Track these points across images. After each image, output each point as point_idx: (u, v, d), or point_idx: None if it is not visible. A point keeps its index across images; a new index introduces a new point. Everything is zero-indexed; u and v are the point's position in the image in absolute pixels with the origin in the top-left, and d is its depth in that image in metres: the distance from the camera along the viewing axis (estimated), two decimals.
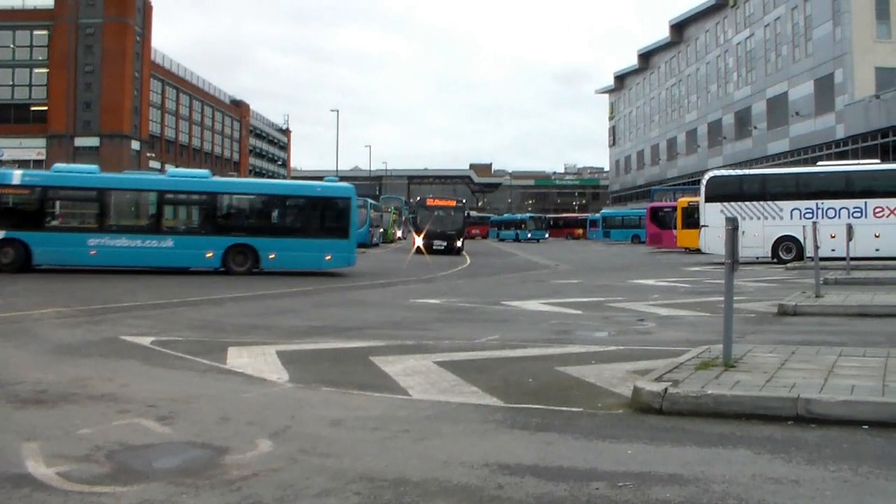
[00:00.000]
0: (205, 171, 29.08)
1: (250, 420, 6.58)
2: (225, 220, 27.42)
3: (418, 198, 55.49)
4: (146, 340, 11.12)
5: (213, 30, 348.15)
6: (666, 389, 6.80)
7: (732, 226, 7.86)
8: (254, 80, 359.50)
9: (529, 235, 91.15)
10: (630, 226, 78.88)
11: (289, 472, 5.19)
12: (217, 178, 28.58)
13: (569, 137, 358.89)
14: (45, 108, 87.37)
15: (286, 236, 26.75)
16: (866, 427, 6.15)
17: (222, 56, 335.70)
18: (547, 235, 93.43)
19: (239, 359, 9.62)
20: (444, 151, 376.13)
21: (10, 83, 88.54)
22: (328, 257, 26.61)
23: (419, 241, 47.73)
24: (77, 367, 9.03)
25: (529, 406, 7.11)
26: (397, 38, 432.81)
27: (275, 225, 27.51)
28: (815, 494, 4.74)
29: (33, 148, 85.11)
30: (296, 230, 27.19)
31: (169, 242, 26.11)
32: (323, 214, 27.48)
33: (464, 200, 53.19)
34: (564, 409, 6.99)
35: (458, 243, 48.04)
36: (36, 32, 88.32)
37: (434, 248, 46.92)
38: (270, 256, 26.17)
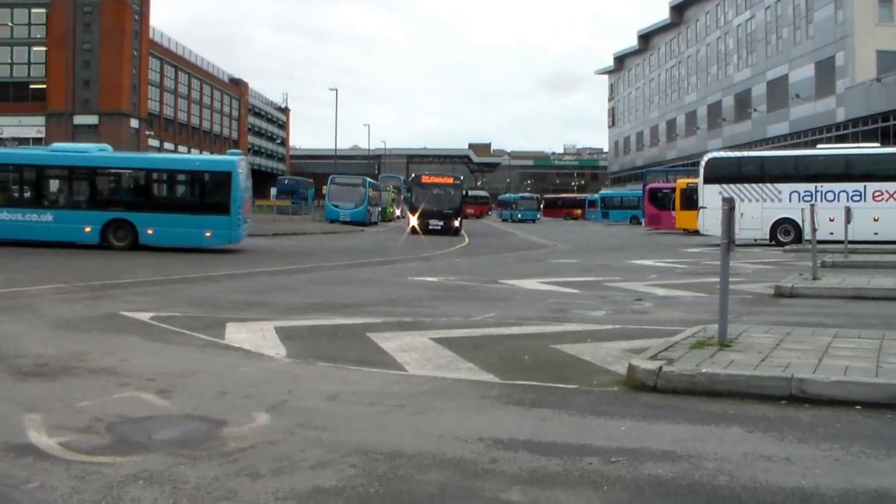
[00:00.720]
0: (93, 146, 28.32)
1: (248, 394, 6.64)
2: (103, 194, 26.78)
3: (412, 175, 53.76)
4: (145, 316, 11.16)
5: (210, 8, 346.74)
6: (661, 367, 6.86)
7: (729, 206, 7.89)
8: (251, 58, 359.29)
9: (520, 216, 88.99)
10: (629, 206, 78.85)
11: (285, 444, 5.25)
12: (103, 153, 27.68)
13: (568, 118, 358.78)
14: (44, 86, 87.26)
15: (165, 212, 26.07)
16: (859, 407, 6.20)
17: (219, 34, 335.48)
18: (539, 216, 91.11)
19: (237, 334, 9.67)
20: (443, 131, 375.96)
21: (9, 61, 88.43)
22: (208, 234, 25.67)
23: (414, 220, 45.66)
24: (77, 342, 9.09)
25: (525, 382, 7.16)
26: (395, 18, 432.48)
27: (154, 200, 26.95)
28: (805, 472, 4.79)
29: (32, 126, 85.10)
30: (175, 206, 26.73)
31: (48, 217, 25.86)
32: (203, 189, 26.61)
33: (461, 177, 50.69)
34: (559, 385, 7.05)
35: (456, 223, 46.09)
36: (34, 10, 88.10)
37: (430, 227, 44.98)
38: (149, 232, 25.62)
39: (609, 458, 4.99)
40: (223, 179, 25.87)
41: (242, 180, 25.97)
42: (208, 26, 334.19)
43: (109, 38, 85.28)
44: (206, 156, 27.38)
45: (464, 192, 49.15)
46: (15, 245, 25.09)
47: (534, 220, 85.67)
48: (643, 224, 58.96)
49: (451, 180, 48.87)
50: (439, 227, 45.12)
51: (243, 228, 26.56)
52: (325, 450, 5.12)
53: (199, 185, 26.74)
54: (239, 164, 26.34)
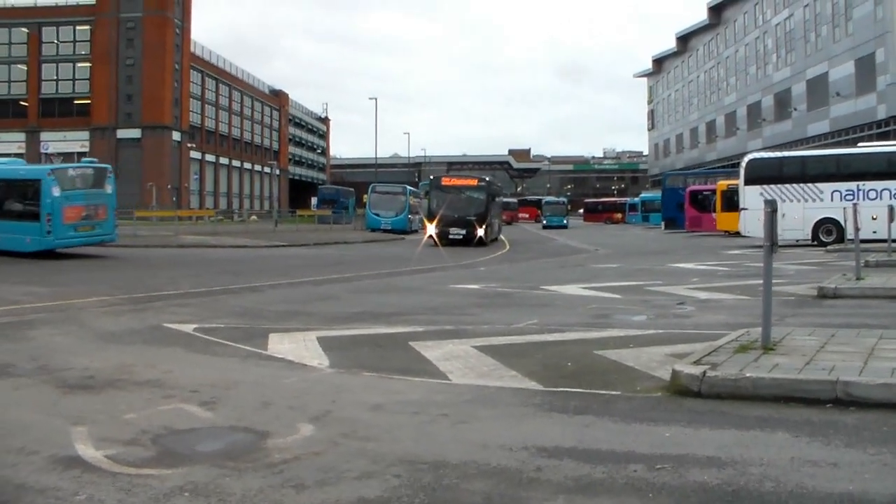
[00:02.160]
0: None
1: (291, 405, 6.68)
2: None
3: (431, 177, 46.19)
4: (189, 328, 11.27)
5: (244, 18, 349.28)
6: (704, 372, 6.81)
7: (771, 208, 7.82)
8: (289, 69, 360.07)
9: (544, 222, 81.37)
10: None
11: (330, 455, 5.27)
12: None
13: (607, 121, 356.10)
14: (88, 101, 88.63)
15: None
16: None
17: (255, 45, 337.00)
18: (566, 221, 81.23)
19: (280, 345, 9.73)
20: (482, 137, 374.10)
21: (55, 77, 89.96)
22: (28, 240, 26.15)
23: (431, 229, 39.47)
24: (122, 354, 9.19)
25: (568, 389, 7.14)
26: (429, 22, 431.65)
27: None
28: (853, 477, 4.73)
29: (77, 141, 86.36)
30: (2, 212, 27.32)
31: None
32: (22, 196, 27.32)
33: (487, 179, 43.74)
34: (603, 392, 7.02)
35: (480, 231, 39.12)
36: (79, 27, 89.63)
37: (451, 237, 38.86)
38: None
39: (654, 465, 4.97)
40: (35, 187, 26.58)
41: (58, 190, 26.15)
42: (244, 37, 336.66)
43: (151, 52, 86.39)
44: (25, 165, 28.69)
45: (490, 197, 42.19)
46: (57, 258, 25.53)
47: (561, 227, 77.53)
48: (684, 226, 58.53)
49: (475, 182, 42.69)
50: (461, 237, 39.07)
51: (68, 236, 26.78)
52: (369, 460, 5.14)
53: (18, 193, 27.61)
54: (55, 173, 26.86)
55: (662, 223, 63.82)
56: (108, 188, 28.22)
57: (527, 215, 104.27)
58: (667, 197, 64.43)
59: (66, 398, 7.04)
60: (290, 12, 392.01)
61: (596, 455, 5.23)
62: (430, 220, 39.99)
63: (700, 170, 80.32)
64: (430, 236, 39.33)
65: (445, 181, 43.12)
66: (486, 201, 40.84)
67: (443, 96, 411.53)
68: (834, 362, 7.16)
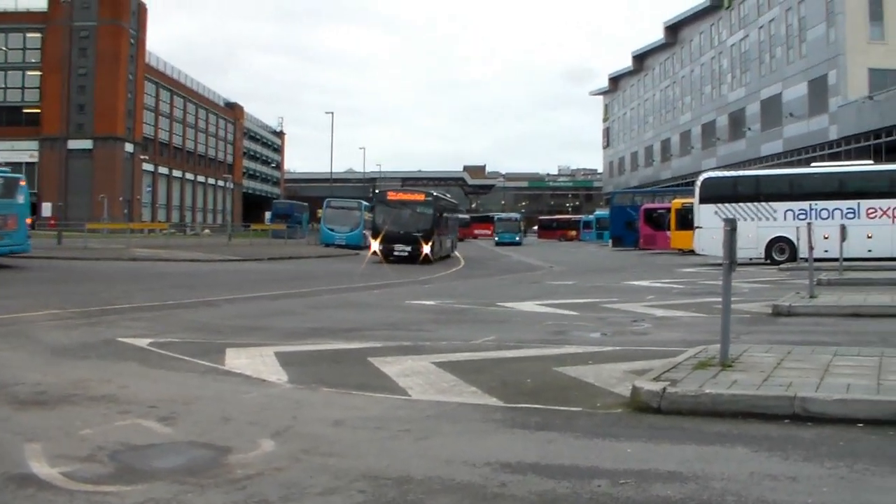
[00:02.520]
0: None
1: (252, 420, 6.61)
2: None
3: (376, 191, 44.92)
4: (144, 342, 11.13)
5: (199, 30, 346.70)
6: (664, 389, 6.86)
7: (731, 227, 7.93)
8: (243, 81, 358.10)
9: (497, 239, 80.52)
10: None
11: (292, 471, 5.22)
12: None
13: (562, 139, 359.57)
14: (38, 110, 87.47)
15: None
16: (861, 425, 6.20)
17: (211, 57, 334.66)
18: (518, 238, 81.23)
19: (237, 360, 9.64)
20: (437, 153, 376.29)
21: (3, 86, 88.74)
22: None
23: (376, 245, 37.98)
24: (76, 369, 9.04)
25: (529, 406, 7.14)
26: (385, 38, 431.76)
27: None
28: (812, 491, 4.78)
29: (25, 151, 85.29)
30: None
31: None
32: None
33: (434, 194, 41.58)
34: (563, 408, 7.03)
35: (426, 248, 37.64)
36: (29, 35, 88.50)
37: (395, 253, 37.70)
38: None
39: (617, 481, 4.98)
40: None
41: None
42: (200, 49, 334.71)
43: (105, 62, 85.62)
44: None
45: (440, 213, 40.55)
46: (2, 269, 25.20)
47: (513, 244, 77.03)
48: (632, 244, 59.84)
49: (421, 197, 40.40)
50: (406, 254, 37.68)
51: None
52: (332, 476, 5.10)
53: None
54: None
55: (610, 241, 64.67)
56: (20, 198, 27.86)
57: (488, 232, 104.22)
58: (614, 215, 65.48)
59: (19, 414, 6.88)
60: (247, 25, 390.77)
61: (559, 470, 5.23)
62: (375, 236, 38.52)
63: (647, 188, 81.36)
64: (375, 252, 37.97)
65: (391, 195, 41.17)
66: (433, 217, 39.17)
67: (398, 110, 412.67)
68: (791, 379, 7.25)
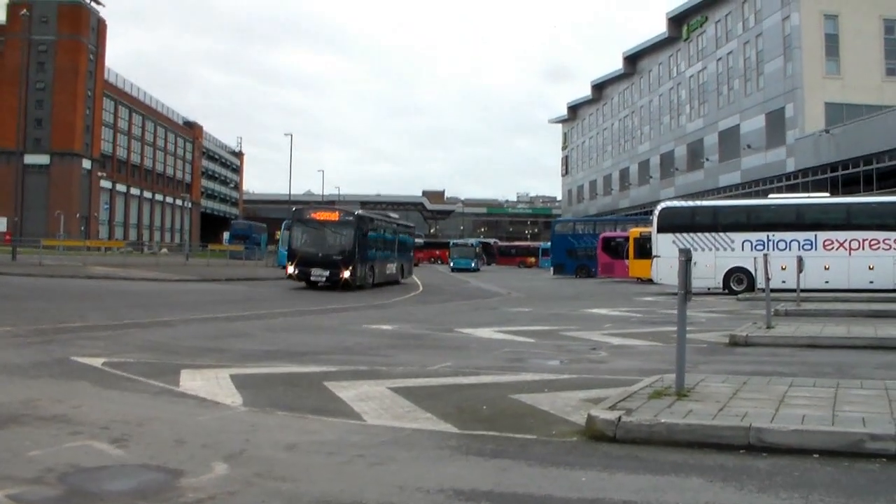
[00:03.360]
0: None
1: (205, 443, 6.53)
2: None
3: (294, 208, 40.15)
4: (97, 362, 10.99)
5: (159, 48, 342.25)
6: (620, 418, 6.86)
7: (686, 257, 7.96)
8: (202, 100, 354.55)
9: (452, 265, 78.42)
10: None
11: (245, 495, 5.17)
12: None
13: (521, 166, 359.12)
14: None
15: None
16: (816, 455, 6.24)
17: (170, 75, 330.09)
18: (475, 264, 78.22)
19: (192, 382, 9.54)
20: (396, 176, 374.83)
21: None
22: None
23: (291, 268, 35.28)
24: (27, 388, 8.90)
25: (484, 433, 7.12)
26: (341, 61, 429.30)
27: None
28: None
29: None
30: None
31: None
32: None
33: (355, 213, 36.85)
34: (519, 436, 7.00)
35: (346, 274, 33.89)
36: None
37: (312, 279, 34.48)
38: None
39: None
40: None
41: None
42: (159, 67, 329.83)
43: (63, 77, 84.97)
44: None
45: (363, 233, 36.14)
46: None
47: (470, 270, 74.63)
48: (573, 273, 62.24)
49: (336, 217, 36.20)
50: (324, 279, 34.23)
51: None
52: (284, 500, 5.05)
53: None
54: None
55: (551, 269, 66.04)
56: None
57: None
58: (556, 243, 66.88)
59: None
60: (206, 44, 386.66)
61: (513, 498, 5.21)
62: (290, 259, 35.69)
63: (590, 217, 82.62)
64: (291, 276, 35.31)
65: (311, 214, 36.95)
66: (353, 238, 34.89)
67: (355, 134, 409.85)
68: (747, 409, 7.28)
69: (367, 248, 36.79)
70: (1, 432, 6.82)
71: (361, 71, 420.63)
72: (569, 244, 63.79)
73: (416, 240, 74.93)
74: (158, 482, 5.44)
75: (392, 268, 42.10)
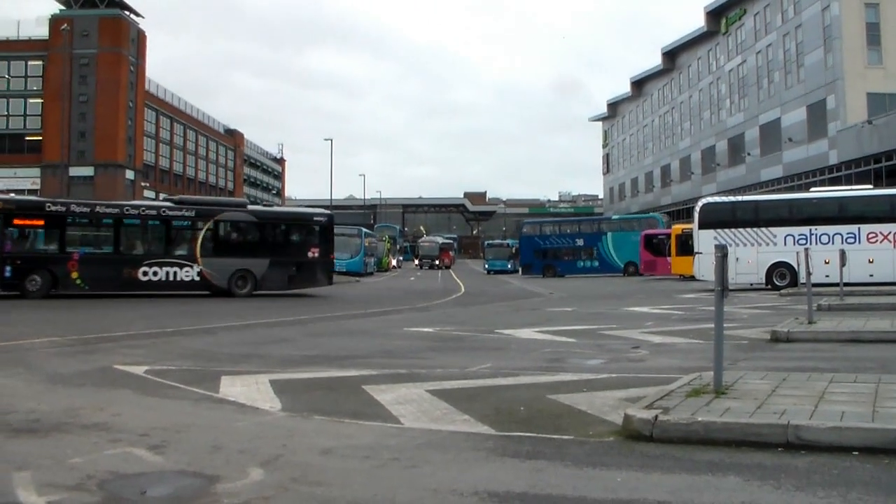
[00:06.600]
0: None
1: (242, 448, 6.58)
2: None
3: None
4: (140, 370, 11.13)
5: (197, 57, 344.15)
6: (656, 417, 6.82)
7: (722, 253, 7.90)
8: (233, 104, 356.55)
9: (486, 266, 75.38)
10: None
11: (279, 500, 5.20)
12: None
13: (563, 164, 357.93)
14: (40, 137, 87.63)
15: None
16: (856, 453, 6.15)
17: (208, 84, 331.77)
18: (509, 266, 74.58)
19: (232, 388, 9.63)
20: (438, 179, 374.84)
21: (5, 113, 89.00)
22: None
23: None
24: (70, 397, 9.03)
25: (520, 434, 7.10)
26: (376, 62, 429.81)
27: None
28: None
29: (28, 178, 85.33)
30: None
31: None
32: None
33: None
34: (555, 436, 6.99)
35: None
36: (31, 63, 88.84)
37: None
38: None
39: None
40: None
41: None
42: (198, 76, 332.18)
43: (105, 90, 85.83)
44: None
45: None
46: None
47: (506, 272, 72.55)
48: (540, 272, 63.20)
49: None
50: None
51: None
52: None
53: None
54: None
55: (519, 269, 67.55)
56: None
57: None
58: (524, 244, 67.65)
59: (10, 442, 6.88)
60: (238, 48, 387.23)
61: (547, 500, 5.20)
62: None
63: (557, 219, 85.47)
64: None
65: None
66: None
67: (394, 136, 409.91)
68: (785, 406, 7.21)
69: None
70: (44, 440, 6.93)
71: (394, 73, 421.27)
72: (536, 244, 64.99)
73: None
74: (194, 488, 5.50)
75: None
